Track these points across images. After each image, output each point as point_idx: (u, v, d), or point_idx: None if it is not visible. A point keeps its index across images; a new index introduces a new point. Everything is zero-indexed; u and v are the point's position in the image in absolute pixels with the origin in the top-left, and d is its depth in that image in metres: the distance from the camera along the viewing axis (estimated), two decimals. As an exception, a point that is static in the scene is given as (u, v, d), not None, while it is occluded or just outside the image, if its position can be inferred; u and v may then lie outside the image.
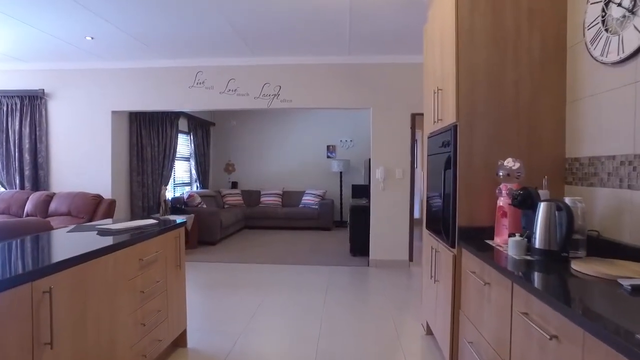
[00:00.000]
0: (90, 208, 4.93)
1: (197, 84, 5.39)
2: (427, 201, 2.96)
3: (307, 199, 8.50)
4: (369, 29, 4.15)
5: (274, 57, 5.23)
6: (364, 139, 8.88)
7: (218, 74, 5.37)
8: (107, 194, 5.46)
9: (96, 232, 2.26)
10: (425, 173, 3.07)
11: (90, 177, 5.52)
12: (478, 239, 2.17)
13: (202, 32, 4.24)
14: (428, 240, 2.92)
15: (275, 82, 5.31)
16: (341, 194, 8.75)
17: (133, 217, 6.04)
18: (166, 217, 5.97)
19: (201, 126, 8.36)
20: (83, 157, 5.53)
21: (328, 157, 9.03)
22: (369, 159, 7.68)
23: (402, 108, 5.20)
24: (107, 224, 2.53)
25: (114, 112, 5.54)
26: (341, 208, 8.79)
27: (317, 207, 8.25)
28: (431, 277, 2.71)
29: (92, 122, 5.52)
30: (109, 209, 5.04)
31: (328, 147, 9.05)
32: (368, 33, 4.29)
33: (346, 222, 8.79)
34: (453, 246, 2.28)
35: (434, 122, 2.69)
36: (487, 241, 2.12)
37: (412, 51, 4.93)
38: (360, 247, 5.75)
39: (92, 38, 4.38)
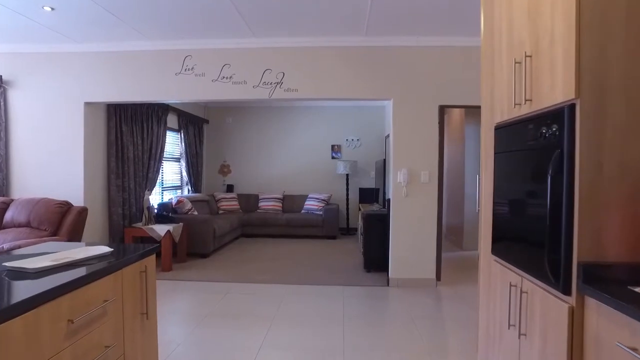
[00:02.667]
0: (55, 218, 4.08)
1: (186, 70, 4.56)
2: (495, 216, 2.14)
3: (310, 204, 7.68)
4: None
5: (276, 38, 4.39)
6: (373, 138, 8.08)
7: (210, 59, 4.53)
8: (79, 201, 4.61)
9: (4, 272, 1.42)
10: (490, 176, 2.26)
11: (60, 180, 4.66)
12: (616, 283, 1.36)
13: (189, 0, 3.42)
14: (498, 271, 2.10)
15: (278, 68, 4.49)
16: (347, 199, 7.93)
17: (111, 226, 5.19)
18: (150, 226, 5.12)
19: (193, 123, 7.52)
20: (51, 156, 4.68)
21: (333, 157, 8.21)
22: (383, 160, 6.89)
23: (428, 99, 4.39)
24: (36, 253, 1.70)
25: (87, 104, 4.69)
26: (347, 214, 7.97)
27: (321, 212, 7.42)
28: (510, 325, 1.90)
29: (62, 116, 4.67)
30: (79, 219, 4.20)
31: (333, 146, 8.24)
32: (394, 5, 3.47)
33: (354, 229, 7.97)
34: (567, 292, 1.46)
35: (514, 105, 1.88)
36: (635, 289, 1.31)
37: (443, 32, 4.11)
38: (376, 262, 4.93)
39: (52, 9, 3.53)
